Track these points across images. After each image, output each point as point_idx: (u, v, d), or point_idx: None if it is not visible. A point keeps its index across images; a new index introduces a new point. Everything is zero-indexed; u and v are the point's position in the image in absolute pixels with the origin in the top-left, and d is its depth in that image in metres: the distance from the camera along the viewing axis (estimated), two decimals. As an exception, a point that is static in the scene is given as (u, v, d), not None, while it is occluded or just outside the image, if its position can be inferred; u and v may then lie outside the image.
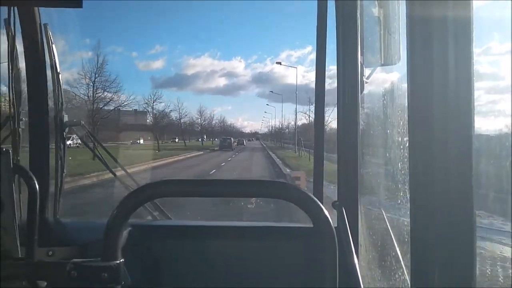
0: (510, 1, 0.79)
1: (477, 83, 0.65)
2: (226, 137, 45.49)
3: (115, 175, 2.07)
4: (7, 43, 1.66)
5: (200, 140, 61.35)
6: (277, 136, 67.14)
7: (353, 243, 1.39)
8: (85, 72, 31.11)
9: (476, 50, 0.65)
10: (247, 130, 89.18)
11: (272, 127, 72.28)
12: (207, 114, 72.71)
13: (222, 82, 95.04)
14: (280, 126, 61.99)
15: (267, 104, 75.84)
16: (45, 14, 1.83)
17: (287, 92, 76.22)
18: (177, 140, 58.28)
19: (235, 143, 43.87)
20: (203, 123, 60.01)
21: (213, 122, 64.79)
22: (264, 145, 59.44)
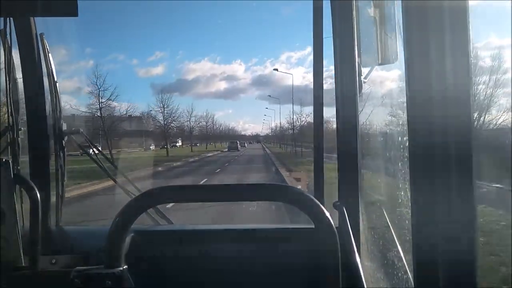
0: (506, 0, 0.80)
1: (474, 78, 0.66)
2: (233, 140, 54.37)
3: (115, 181, 2.06)
4: (3, 53, 1.66)
5: (167, 146, 39.07)
6: (283, 137, 48.67)
7: (355, 243, 1.39)
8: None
9: (473, 45, 0.65)
10: (248, 132, 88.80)
11: (275, 127, 57.63)
12: (179, 107, 53.14)
13: (222, 85, 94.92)
14: (292, 120, 39.18)
15: (269, 95, 72.30)
16: (41, 24, 1.83)
17: (287, 94, 75.15)
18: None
19: (239, 145, 52.05)
20: (168, 119, 38.29)
21: (192, 118, 45.75)
22: (267, 151, 44.99)
